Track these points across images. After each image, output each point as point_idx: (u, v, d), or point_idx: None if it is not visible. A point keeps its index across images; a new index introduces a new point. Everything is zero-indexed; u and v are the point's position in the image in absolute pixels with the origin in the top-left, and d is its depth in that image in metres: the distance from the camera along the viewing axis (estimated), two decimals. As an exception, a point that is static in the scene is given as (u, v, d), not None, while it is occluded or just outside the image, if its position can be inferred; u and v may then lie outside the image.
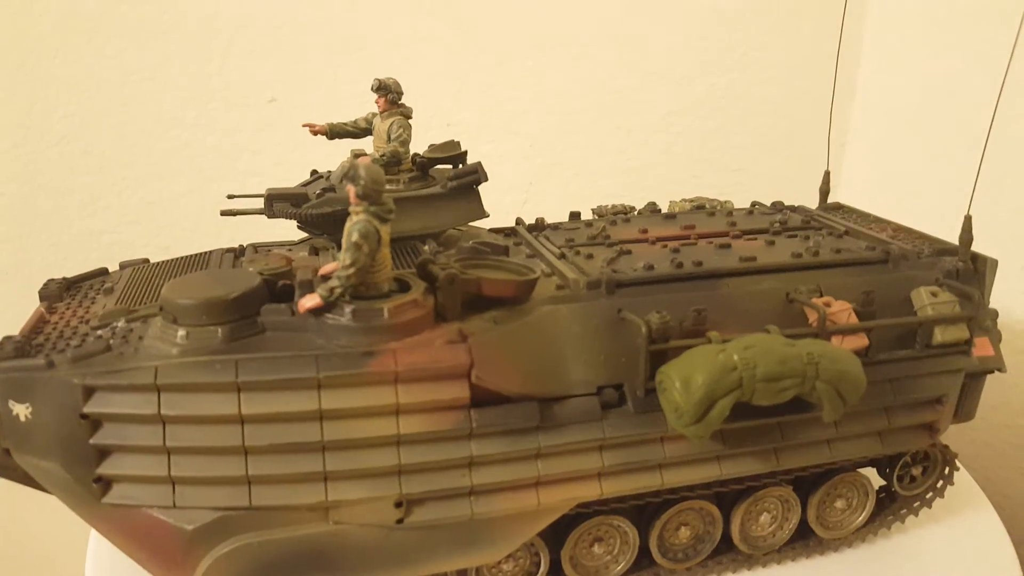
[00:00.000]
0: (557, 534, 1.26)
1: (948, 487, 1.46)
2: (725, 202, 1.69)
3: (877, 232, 1.49)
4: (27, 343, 1.07)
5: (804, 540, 1.41)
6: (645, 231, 1.45)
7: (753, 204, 1.65)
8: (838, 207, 1.70)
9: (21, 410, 1.04)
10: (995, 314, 1.38)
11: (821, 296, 1.25)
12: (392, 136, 1.38)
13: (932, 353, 1.28)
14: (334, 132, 1.42)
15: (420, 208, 1.37)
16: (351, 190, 1.01)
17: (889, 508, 1.45)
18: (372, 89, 1.38)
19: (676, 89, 2.21)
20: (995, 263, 1.38)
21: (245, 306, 1.05)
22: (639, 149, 2.19)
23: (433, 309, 1.10)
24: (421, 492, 1.08)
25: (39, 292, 1.25)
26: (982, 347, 1.35)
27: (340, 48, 1.96)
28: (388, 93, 1.38)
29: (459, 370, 1.04)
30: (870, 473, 1.44)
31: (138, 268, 1.37)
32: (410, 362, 1.03)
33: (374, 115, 1.42)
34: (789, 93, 2.25)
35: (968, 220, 1.35)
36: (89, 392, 1.01)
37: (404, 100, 1.40)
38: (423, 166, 1.42)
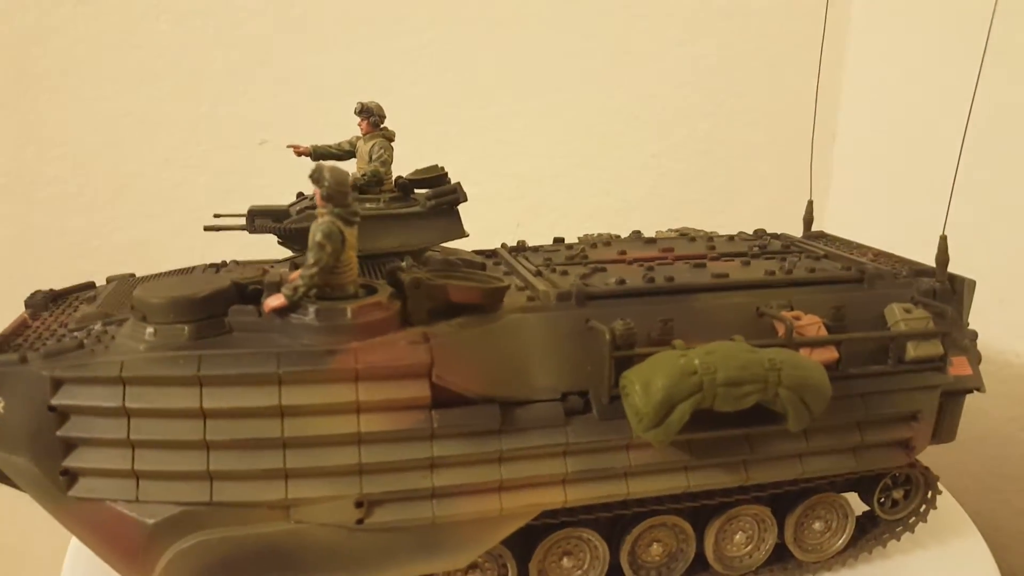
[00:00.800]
0: (526, 545, 1.25)
1: (932, 512, 1.43)
2: (710, 232, 1.71)
3: (857, 256, 1.50)
4: (4, 343, 1.11)
5: (782, 562, 1.38)
6: (624, 252, 1.47)
7: (737, 233, 1.66)
8: (821, 235, 1.72)
9: (-6, 404, 1.06)
10: (974, 335, 1.37)
11: (791, 310, 1.26)
12: (373, 156, 1.42)
13: (905, 369, 1.27)
14: (318, 153, 1.47)
15: (399, 226, 1.40)
16: (317, 192, 1.05)
17: (870, 532, 1.42)
18: (355, 112, 1.43)
19: (659, 132, 2.28)
20: (972, 284, 1.38)
21: (212, 306, 1.08)
22: (624, 191, 2.25)
23: (399, 313, 1.12)
24: (382, 492, 1.08)
25: (25, 301, 1.29)
26: (959, 366, 1.34)
27: (331, 92, 2.00)
28: (371, 116, 1.43)
29: (419, 369, 1.06)
30: (852, 498, 1.42)
31: (123, 280, 1.41)
32: (370, 360, 1.04)
33: (358, 138, 1.47)
34: (768, 137, 2.31)
35: (944, 240, 1.36)
36: (57, 384, 1.03)
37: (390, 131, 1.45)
38: (405, 187, 1.46)
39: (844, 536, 1.40)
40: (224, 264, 1.45)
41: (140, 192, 2.07)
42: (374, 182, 1.41)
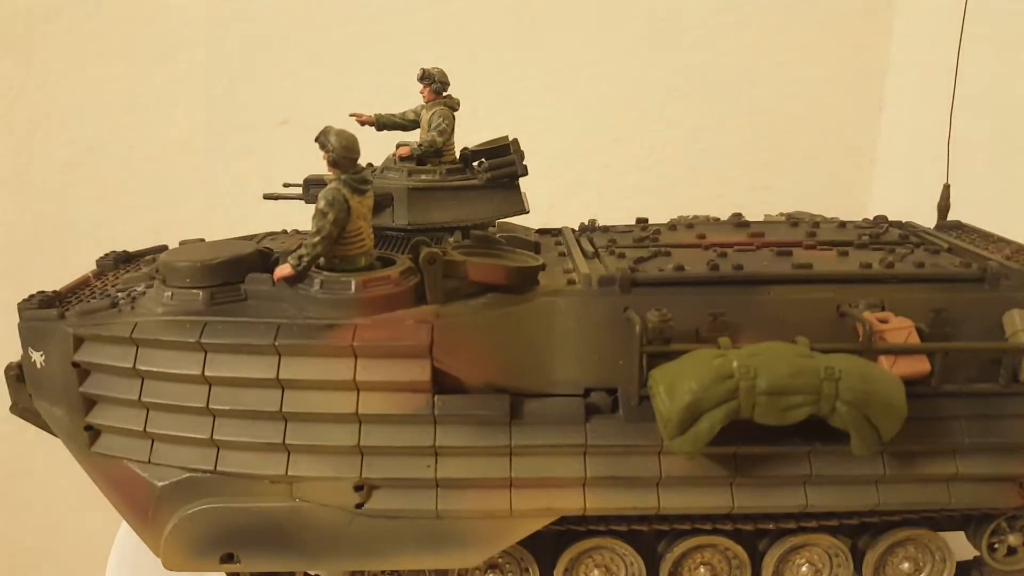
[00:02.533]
0: (551, 551, 1.15)
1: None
2: (822, 217, 1.51)
3: (990, 252, 1.25)
4: (56, 298, 1.15)
5: (860, 605, 1.19)
6: (703, 236, 1.32)
7: (859, 221, 1.45)
8: (957, 225, 1.46)
9: (37, 357, 1.11)
10: None
11: (882, 311, 1.06)
12: (432, 126, 1.36)
13: (1021, 391, 1.04)
14: (381, 123, 1.42)
15: (453, 199, 1.33)
16: (325, 157, 1.00)
17: (974, 582, 1.19)
18: (417, 79, 1.37)
19: (699, 106, 2.09)
20: None
21: (229, 273, 1.07)
22: (663, 167, 2.07)
23: (414, 290, 1.05)
24: (382, 477, 1.03)
25: (96, 261, 1.35)
26: (1104, 392, 1.08)
27: (354, 69, 1.91)
28: (432, 83, 1.36)
29: (416, 350, 0.99)
30: (957, 537, 1.19)
31: (191, 245, 1.44)
32: (367, 337, 0.99)
33: (422, 107, 1.41)
34: (813, 108, 2.12)
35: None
36: (79, 342, 1.06)
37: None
38: (467, 159, 1.39)
39: (941, 583, 1.18)
40: (284, 232, 1.45)
41: (156, 177, 1.99)
42: (431, 152, 1.35)
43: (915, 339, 1.03)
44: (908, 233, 1.35)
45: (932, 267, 1.14)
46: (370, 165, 1.47)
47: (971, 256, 1.20)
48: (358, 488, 1.03)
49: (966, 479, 1.05)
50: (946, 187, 1.48)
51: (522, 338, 1.04)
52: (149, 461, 1.07)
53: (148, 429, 1.05)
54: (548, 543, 1.15)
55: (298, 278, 1.03)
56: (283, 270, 1.02)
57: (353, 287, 1.01)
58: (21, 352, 1.13)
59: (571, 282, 1.11)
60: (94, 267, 1.32)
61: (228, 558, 1.07)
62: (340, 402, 1.01)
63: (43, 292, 1.16)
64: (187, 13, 1.95)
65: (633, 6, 2.04)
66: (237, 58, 1.92)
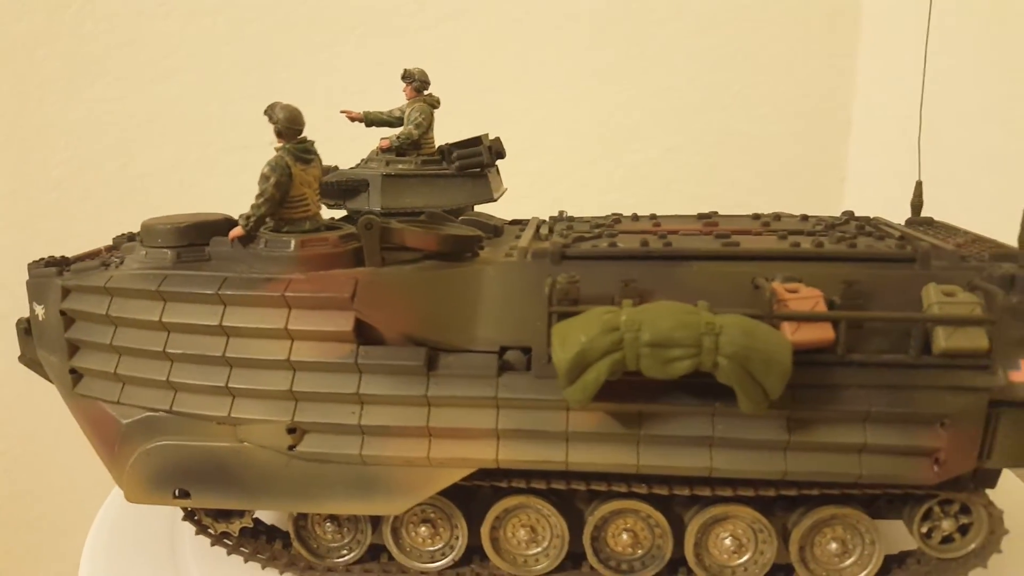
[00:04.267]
0: (480, 510, 1.21)
1: (995, 555, 1.14)
2: (794, 215, 1.53)
3: (942, 241, 1.26)
4: (62, 261, 1.32)
5: (789, 584, 1.19)
6: (658, 224, 1.38)
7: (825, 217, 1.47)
8: (928, 221, 1.46)
9: (39, 310, 1.28)
10: (1071, 339, 1.08)
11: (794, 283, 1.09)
12: (409, 120, 1.48)
13: (933, 363, 1.04)
14: (370, 120, 1.55)
15: (424, 187, 1.44)
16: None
17: (907, 569, 1.17)
18: (401, 78, 1.50)
19: (674, 125, 2.15)
20: (1070, 271, 1.09)
21: (195, 235, 1.20)
22: (640, 185, 2.11)
23: (353, 253, 1.15)
24: (312, 422, 1.12)
25: (113, 238, 1.52)
26: (1031, 372, 1.06)
27: (346, 89, 1.99)
28: (413, 81, 1.49)
29: (340, 302, 1.08)
30: (897, 528, 1.18)
31: (175, 214, 1.58)
32: (298, 288, 1.09)
33: (406, 105, 1.54)
34: (783, 128, 2.20)
35: (1026, 215, 1.10)
36: (66, 292, 1.22)
37: None
38: (444, 152, 1.50)
39: (868, 569, 1.16)
40: None
41: (147, 195, 2.04)
42: (408, 144, 1.47)
43: (822, 308, 1.05)
44: (864, 224, 1.36)
45: (865, 248, 1.16)
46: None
47: (916, 242, 1.21)
48: (291, 431, 1.13)
49: (877, 450, 1.05)
50: (918, 184, 1.48)
51: (448, 298, 1.12)
52: (118, 401, 1.20)
53: (118, 371, 1.18)
54: (475, 500, 1.22)
55: (248, 237, 1.15)
56: (236, 231, 1.15)
57: (292, 245, 1.12)
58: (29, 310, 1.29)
59: (508, 255, 1.19)
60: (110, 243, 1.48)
61: (183, 494, 1.19)
62: (275, 349, 1.11)
63: (52, 256, 1.33)
64: (181, 38, 2.06)
65: (612, 32, 2.14)
66: (229, 80, 1.98)
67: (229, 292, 1.11)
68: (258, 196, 1.12)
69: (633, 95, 2.16)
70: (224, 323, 1.11)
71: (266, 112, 1.12)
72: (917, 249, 1.12)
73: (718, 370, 0.98)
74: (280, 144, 1.12)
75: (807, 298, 1.06)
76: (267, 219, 1.14)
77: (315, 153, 1.15)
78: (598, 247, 1.17)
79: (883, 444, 1.05)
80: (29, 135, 2.03)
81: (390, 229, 1.14)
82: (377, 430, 1.11)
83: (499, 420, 1.09)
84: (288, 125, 1.11)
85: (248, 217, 1.13)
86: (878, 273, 1.09)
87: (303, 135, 1.14)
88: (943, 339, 1.03)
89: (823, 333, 1.04)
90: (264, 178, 1.11)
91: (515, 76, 2.14)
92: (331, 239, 1.14)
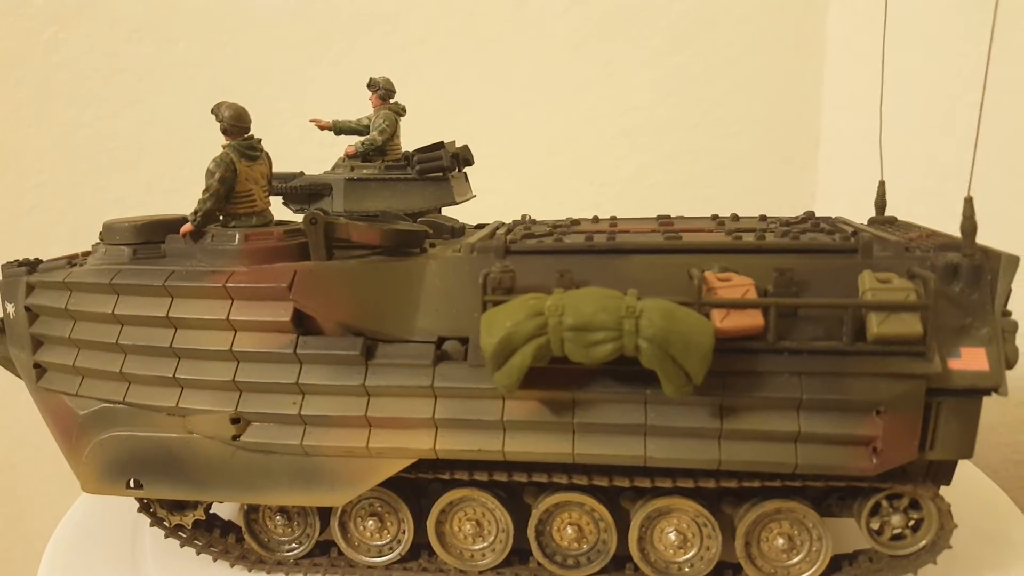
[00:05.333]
0: (427, 507, 1.21)
1: (945, 551, 1.11)
2: (756, 215, 1.53)
3: (893, 235, 1.25)
4: (36, 262, 1.37)
5: (736, 581, 1.17)
6: (615, 225, 1.39)
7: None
8: (890, 220, 1.44)
9: (10, 309, 1.33)
10: (1012, 325, 1.07)
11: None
12: (374, 126, 1.52)
13: (867, 350, 1.02)
14: (339, 128, 1.60)
15: (387, 191, 1.47)
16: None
17: (859, 566, 1.15)
18: (367, 86, 1.55)
19: (647, 143, 2.17)
20: (1014, 260, 1.08)
21: (151, 233, 1.24)
22: (615, 202, 2.11)
23: (298, 248, 1.18)
24: (255, 412, 1.14)
25: (92, 245, 1.57)
26: (971, 359, 1.04)
27: (326, 108, 1.92)
28: (378, 89, 1.53)
29: (279, 293, 1.11)
30: (848, 526, 1.16)
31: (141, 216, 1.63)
32: (238, 279, 1.12)
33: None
34: (754, 144, 2.21)
35: (969, 204, 1.09)
36: (31, 289, 1.26)
37: None
38: (408, 157, 1.53)
39: (816, 566, 1.14)
40: None
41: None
42: (372, 150, 1.50)
43: (752, 296, 1.05)
44: (820, 222, 1.35)
45: (807, 240, 1.16)
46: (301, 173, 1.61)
47: (861, 234, 1.20)
48: (235, 421, 1.15)
49: (812, 439, 1.04)
50: (881, 184, 1.47)
51: (388, 290, 1.14)
52: (77, 394, 1.23)
53: (76, 364, 1.22)
54: (422, 495, 1.22)
55: (197, 234, 1.19)
56: (186, 227, 1.19)
57: (237, 239, 1.15)
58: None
59: (456, 251, 1.21)
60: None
61: (137, 485, 1.21)
62: (219, 340, 1.14)
63: (26, 259, 1.38)
64: (155, 62, 2.09)
65: (583, 52, 2.17)
66: (203, 103, 1.96)
67: (175, 284, 1.14)
68: (204, 191, 1.15)
69: (605, 113, 2.20)
70: (171, 315, 1.15)
71: (212, 111, 1.16)
72: (859, 240, 1.11)
73: (640, 354, 0.98)
74: (227, 142, 1.16)
75: (738, 286, 1.06)
76: (216, 215, 1.18)
77: (262, 151, 1.19)
78: (543, 243, 1.19)
79: (818, 432, 1.03)
80: (3, 159, 2.06)
81: (335, 224, 1.17)
82: (318, 420, 1.13)
83: (436, 409, 1.10)
84: (233, 123, 1.15)
85: (196, 212, 1.16)
86: (817, 263, 1.09)
87: (250, 133, 1.17)
88: (876, 325, 1.02)
89: (752, 320, 1.04)
90: (209, 174, 1.15)
91: (488, 95, 2.18)
92: (276, 233, 1.17)
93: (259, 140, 1.18)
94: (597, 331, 0.98)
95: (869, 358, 1.03)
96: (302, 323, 1.13)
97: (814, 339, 1.05)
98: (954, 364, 1.03)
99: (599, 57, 2.19)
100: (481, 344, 1.02)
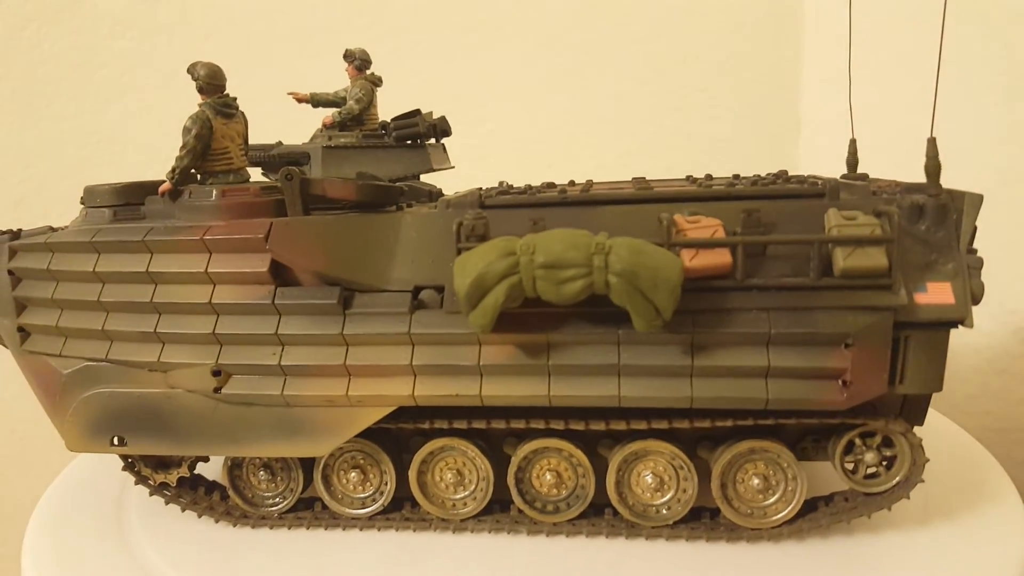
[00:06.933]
0: (409, 454, 1.23)
1: (920, 485, 1.13)
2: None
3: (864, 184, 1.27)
4: (20, 232, 1.38)
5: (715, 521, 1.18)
6: (591, 185, 1.40)
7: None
8: (862, 177, 1.46)
9: (-6, 277, 1.34)
10: (977, 261, 1.09)
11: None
12: (351, 96, 1.54)
13: (833, 284, 1.04)
14: (316, 100, 1.62)
15: (364, 158, 1.49)
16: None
17: (835, 505, 1.16)
18: (343, 57, 1.56)
19: (628, 130, 2.20)
20: (977, 199, 1.10)
21: (131, 195, 1.26)
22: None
23: (276, 204, 1.20)
24: (235, 364, 1.16)
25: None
26: (937, 293, 1.06)
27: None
28: (354, 60, 1.55)
29: (255, 244, 1.12)
30: (823, 470, 1.18)
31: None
32: (215, 232, 1.14)
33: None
34: (734, 129, 2.25)
35: (932, 144, 1.10)
36: (13, 253, 1.28)
37: None
38: (385, 126, 1.55)
39: (791, 505, 1.16)
40: None
41: None
42: (349, 119, 1.52)
43: (721, 235, 1.07)
44: (791, 178, 1.37)
45: (777, 188, 1.17)
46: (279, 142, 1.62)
47: (828, 180, 1.22)
48: (216, 373, 1.16)
49: (782, 374, 1.06)
50: (852, 142, 1.49)
51: (364, 241, 1.15)
52: (60, 354, 1.25)
53: (59, 324, 1.24)
54: (402, 444, 1.24)
55: (176, 192, 1.20)
56: (164, 185, 1.20)
57: (214, 195, 1.17)
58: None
59: (432, 207, 1.23)
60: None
61: (120, 442, 1.23)
62: (198, 294, 1.16)
63: (9, 229, 1.40)
64: (137, 56, 2.11)
65: (564, 40, 2.20)
66: (185, 97, 2.03)
67: (154, 239, 1.16)
68: (181, 148, 1.17)
69: (586, 101, 2.22)
70: (151, 270, 1.16)
71: (188, 70, 1.18)
72: (827, 184, 1.13)
73: (610, 290, 0.99)
74: (203, 99, 1.18)
75: (706, 227, 1.08)
76: (192, 172, 1.19)
77: (237, 109, 1.20)
78: (517, 198, 1.20)
79: (787, 367, 1.05)
80: None
81: (310, 180, 1.18)
82: (297, 370, 1.14)
83: (414, 356, 1.12)
84: (209, 81, 1.17)
85: (173, 170, 1.18)
86: (785, 207, 1.11)
87: (225, 91, 1.19)
88: (842, 259, 1.03)
89: (720, 259, 1.06)
90: (186, 131, 1.16)
91: (471, 80, 2.20)
92: (252, 189, 1.19)
93: (234, 99, 1.20)
94: (568, 268, 0.99)
95: (836, 292, 1.04)
96: (279, 275, 1.14)
97: (781, 276, 1.07)
98: (921, 298, 1.05)
99: (580, 43, 2.21)
100: (455, 285, 1.04)
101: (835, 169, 1.69)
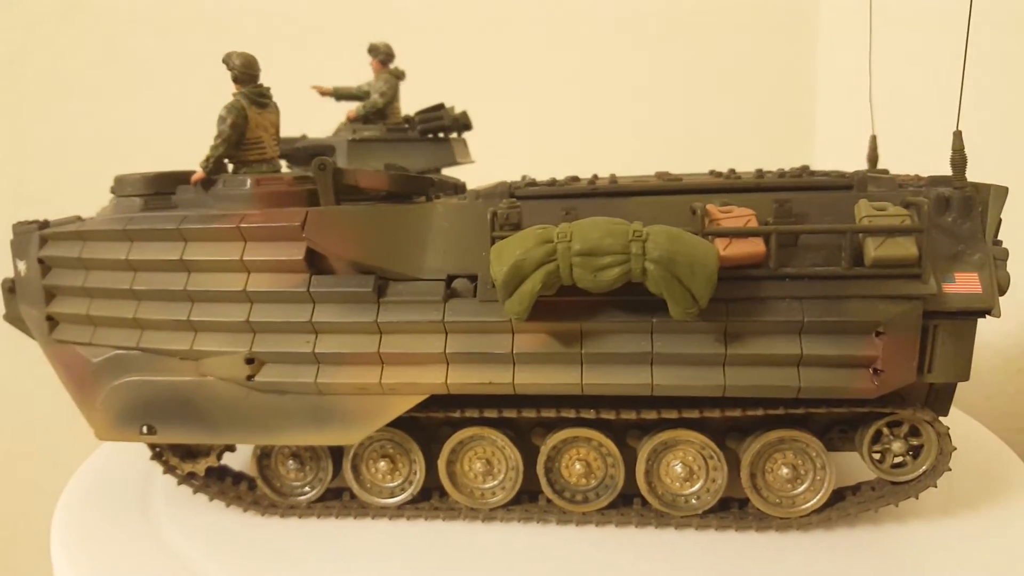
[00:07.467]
0: (439, 444, 1.24)
1: (943, 477, 1.14)
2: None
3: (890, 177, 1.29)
4: (47, 223, 1.39)
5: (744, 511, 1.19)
6: (615, 181, 1.42)
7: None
8: (883, 172, 1.48)
9: (21, 266, 1.34)
10: (1003, 252, 1.11)
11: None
12: (375, 90, 1.55)
13: (864, 273, 1.06)
14: (339, 94, 1.63)
15: (389, 151, 1.51)
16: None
17: (862, 495, 1.17)
18: (367, 51, 1.58)
19: (642, 131, 2.23)
20: (1003, 191, 1.12)
21: (162, 184, 1.27)
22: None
23: (310, 194, 1.21)
24: (269, 351, 1.16)
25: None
26: (964, 283, 1.08)
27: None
28: (378, 54, 1.57)
29: (291, 231, 1.13)
30: (851, 461, 1.19)
31: None
32: (251, 219, 1.15)
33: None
34: (751, 126, 2.27)
35: (958, 137, 1.12)
36: (44, 241, 1.28)
37: None
38: (409, 120, 1.57)
39: (820, 494, 1.17)
40: None
41: None
42: (373, 112, 1.54)
43: (754, 225, 1.08)
44: (815, 173, 1.39)
45: (805, 179, 1.19)
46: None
47: (856, 173, 1.24)
48: (249, 361, 1.17)
49: (814, 362, 1.07)
50: (873, 138, 1.52)
51: (398, 231, 1.16)
52: (90, 343, 1.25)
53: (90, 313, 1.24)
54: (431, 434, 1.24)
55: (209, 181, 1.21)
56: (197, 174, 1.21)
57: (248, 184, 1.18)
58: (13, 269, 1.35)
59: (461, 199, 1.24)
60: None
61: (150, 431, 1.23)
62: (233, 281, 1.16)
63: (38, 219, 1.40)
64: (155, 52, 2.11)
65: (578, 36, 2.24)
66: (204, 93, 1.97)
67: (189, 227, 1.16)
68: (216, 137, 1.18)
69: (603, 98, 2.25)
70: (185, 257, 1.17)
71: (224, 60, 1.19)
72: (855, 176, 1.15)
73: (647, 277, 1.01)
74: (237, 89, 1.19)
75: (739, 216, 1.09)
76: (225, 161, 1.20)
77: (271, 99, 1.21)
78: (546, 189, 1.22)
79: (820, 355, 1.06)
80: (4, 151, 2.07)
81: (343, 170, 1.19)
82: (331, 358, 1.15)
83: (447, 344, 1.12)
84: (244, 70, 1.18)
85: (207, 159, 1.19)
86: (814, 198, 1.13)
87: (259, 81, 1.20)
88: (873, 248, 1.05)
89: (754, 247, 1.07)
90: (221, 120, 1.17)
91: (485, 82, 2.21)
92: (286, 179, 1.20)
93: (268, 88, 1.21)
94: (605, 255, 1.01)
95: (867, 281, 1.06)
96: (314, 263, 1.15)
97: (814, 266, 1.08)
98: (949, 288, 1.07)
99: (597, 41, 2.23)
100: (492, 273, 1.05)
101: (851, 165, 1.71)
